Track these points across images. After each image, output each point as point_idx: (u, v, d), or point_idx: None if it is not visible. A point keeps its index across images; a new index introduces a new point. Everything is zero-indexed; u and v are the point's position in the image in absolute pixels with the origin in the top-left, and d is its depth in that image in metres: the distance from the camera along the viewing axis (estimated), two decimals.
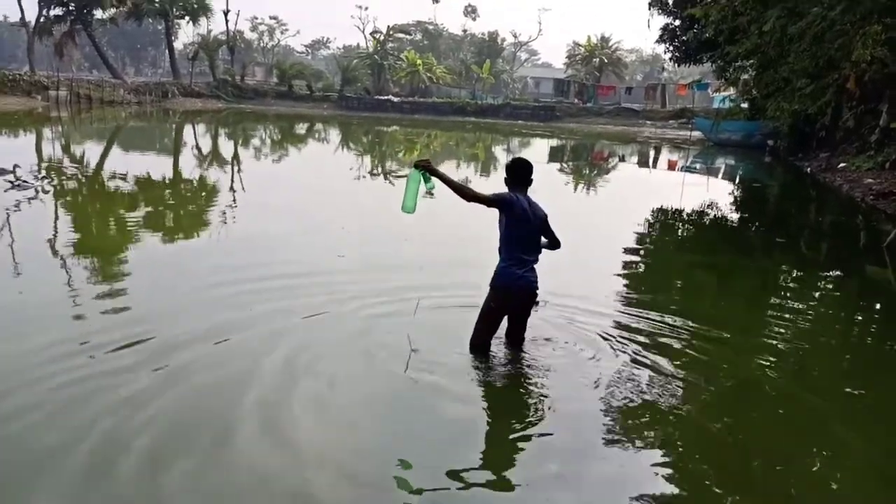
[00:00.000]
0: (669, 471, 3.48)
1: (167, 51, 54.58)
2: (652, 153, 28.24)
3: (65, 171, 13.41)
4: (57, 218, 9.29)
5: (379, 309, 5.45)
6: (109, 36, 70.65)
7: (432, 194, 4.37)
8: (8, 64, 56.77)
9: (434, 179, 4.25)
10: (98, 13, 48.54)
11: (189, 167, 16.54)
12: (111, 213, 9.94)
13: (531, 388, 4.26)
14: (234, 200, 11.50)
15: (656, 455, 3.62)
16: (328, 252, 7.56)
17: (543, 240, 4.54)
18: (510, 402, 4.15)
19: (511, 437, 3.73)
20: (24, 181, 10.87)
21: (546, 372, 4.45)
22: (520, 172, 4.43)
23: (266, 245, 7.84)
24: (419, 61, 54.01)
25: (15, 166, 11.49)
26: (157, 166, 16.19)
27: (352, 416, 3.90)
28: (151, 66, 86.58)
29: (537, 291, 4.49)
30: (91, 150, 19.15)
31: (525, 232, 4.35)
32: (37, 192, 10.40)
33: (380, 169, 18.69)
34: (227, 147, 23.29)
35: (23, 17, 46.27)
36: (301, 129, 32.91)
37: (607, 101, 49.64)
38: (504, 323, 4.65)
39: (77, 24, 47.44)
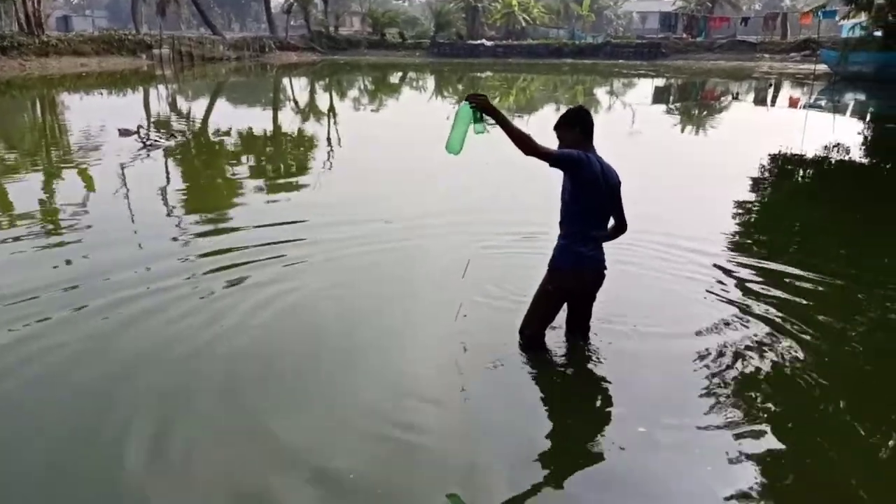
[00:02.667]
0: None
1: (265, 4, 55.25)
2: (770, 90, 25.88)
3: (184, 130, 14.06)
4: (185, 171, 10.03)
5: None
6: None
7: (488, 131, 3.55)
8: (125, 25, 59.53)
9: (487, 121, 3.45)
10: None
11: (303, 123, 16.62)
12: (224, 164, 10.56)
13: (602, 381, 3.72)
14: (330, 156, 11.37)
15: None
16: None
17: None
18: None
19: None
20: (156, 140, 11.61)
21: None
22: (589, 126, 3.54)
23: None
24: (515, 1, 52.04)
25: (139, 127, 12.42)
26: (265, 121, 16.37)
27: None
28: (255, 20, 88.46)
29: (605, 272, 3.72)
30: (199, 107, 19.69)
31: (595, 202, 3.55)
32: (165, 151, 11.07)
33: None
34: (323, 99, 23.34)
35: None
36: (394, 78, 32.61)
37: (720, 34, 46.11)
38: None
39: None
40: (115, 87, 25.81)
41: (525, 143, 3.33)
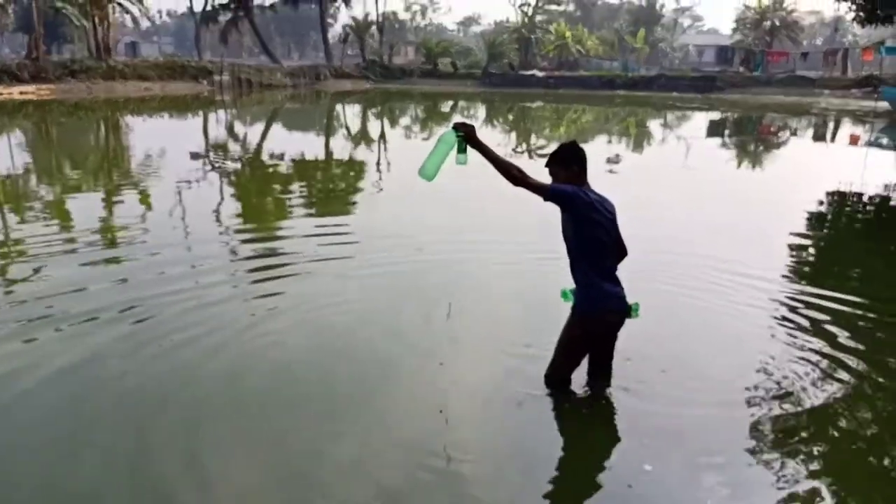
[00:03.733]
0: None
1: (322, 34, 56.92)
2: (830, 126, 25.18)
3: (245, 154, 14.78)
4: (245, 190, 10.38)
5: None
6: (275, 23, 75.14)
7: (464, 163, 3.41)
8: (190, 52, 62.12)
9: (471, 152, 3.32)
10: (258, 0, 51.71)
11: (349, 148, 16.94)
12: (277, 186, 10.86)
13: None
14: (379, 182, 11.51)
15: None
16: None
17: None
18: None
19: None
20: (224, 163, 12.89)
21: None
22: (580, 161, 3.44)
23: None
24: (568, 33, 52.28)
25: (208, 151, 14.13)
26: (317, 146, 16.74)
27: None
28: (314, 49, 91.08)
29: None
30: (255, 132, 20.28)
31: (601, 234, 3.38)
32: (230, 172, 12.14)
33: (524, 146, 18.05)
34: (374, 126, 23.73)
35: (191, 7, 50.34)
36: (445, 106, 32.96)
37: (778, 68, 45.31)
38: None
39: (240, 12, 50.69)
40: (176, 110, 26.82)
41: (513, 175, 3.26)
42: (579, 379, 3.75)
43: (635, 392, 3.76)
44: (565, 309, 3.68)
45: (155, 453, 3.20)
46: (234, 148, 15.46)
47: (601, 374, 3.76)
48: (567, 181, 3.43)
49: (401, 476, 3.09)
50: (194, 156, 12.86)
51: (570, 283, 3.57)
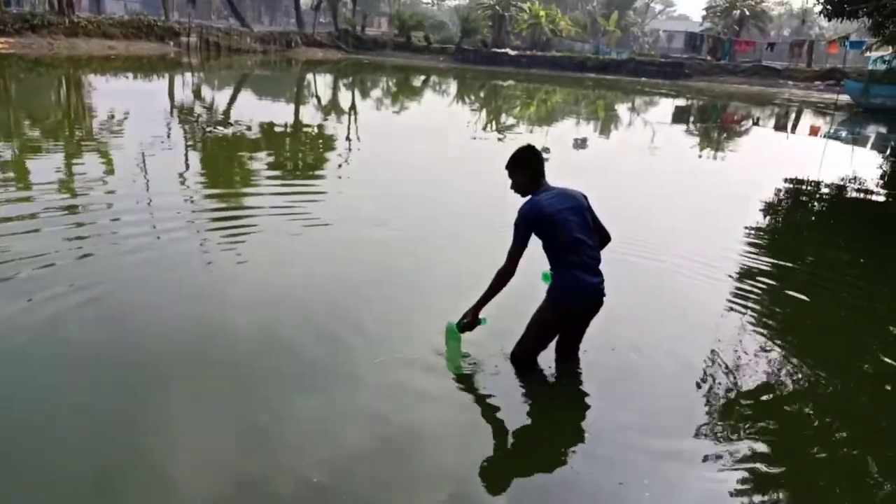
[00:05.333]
0: None
1: (294, 1, 55.76)
2: (791, 117, 25.83)
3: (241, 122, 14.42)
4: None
5: None
6: None
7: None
8: (157, 11, 60.21)
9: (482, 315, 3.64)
10: None
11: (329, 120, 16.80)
12: (244, 153, 10.53)
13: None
14: (347, 153, 11.53)
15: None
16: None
17: None
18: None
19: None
20: (213, 129, 12.93)
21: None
22: (533, 165, 3.63)
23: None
24: (542, 12, 52.19)
25: (198, 117, 13.95)
26: (287, 115, 16.60)
27: None
28: (285, 15, 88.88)
29: (604, 299, 3.66)
30: (223, 97, 19.96)
31: (565, 231, 3.51)
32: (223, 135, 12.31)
33: (494, 125, 18.16)
34: (345, 98, 23.54)
35: None
36: (416, 81, 32.79)
37: (745, 58, 46.05)
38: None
39: None
40: (141, 71, 26.15)
41: (503, 282, 3.55)
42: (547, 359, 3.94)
43: (593, 372, 3.94)
44: (529, 285, 3.85)
45: (108, 416, 3.24)
46: (214, 114, 15.22)
47: (568, 357, 3.91)
48: (525, 182, 3.65)
49: (363, 444, 3.17)
50: (183, 121, 12.99)
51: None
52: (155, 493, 2.77)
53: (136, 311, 4.40)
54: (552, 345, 3.90)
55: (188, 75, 26.34)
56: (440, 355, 3.92)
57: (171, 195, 7.42)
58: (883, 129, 22.98)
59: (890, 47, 25.37)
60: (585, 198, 3.72)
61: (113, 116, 13.44)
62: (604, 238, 3.75)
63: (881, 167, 15.14)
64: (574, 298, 3.61)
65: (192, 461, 2.97)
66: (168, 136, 11.57)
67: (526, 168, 3.65)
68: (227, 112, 16.19)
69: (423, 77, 34.62)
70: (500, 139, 14.62)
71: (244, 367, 3.77)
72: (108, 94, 18.72)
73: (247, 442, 3.12)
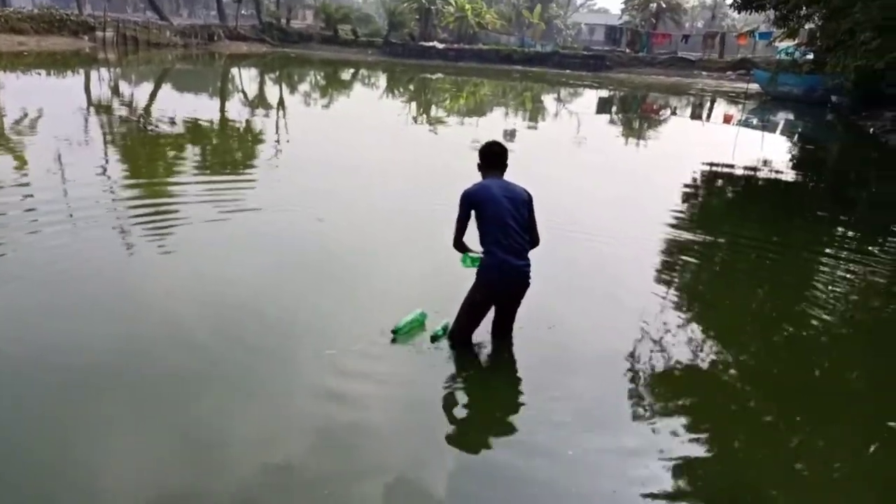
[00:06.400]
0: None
1: None
2: (706, 106, 27.09)
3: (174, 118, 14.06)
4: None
5: None
6: None
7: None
8: (68, 5, 57.32)
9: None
10: None
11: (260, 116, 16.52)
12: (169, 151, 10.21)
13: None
14: (276, 149, 11.45)
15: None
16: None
17: None
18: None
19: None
20: (153, 127, 12.71)
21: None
22: (489, 158, 4.09)
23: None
24: (468, 6, 52.56)
25: (140, 116, 13.83)
26: (211, 111, 16.24)
27: None
28: (205, 8, 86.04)
29: (529, 281, 3.97)
30: (143, 93, 19.32)
31: (498, 214, 3.86)
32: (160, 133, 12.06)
33: (424, 118, 18.33)
34: (273, 92, 23.19)
35: None
36: (346, 74, 32.57)
37: (662, 49, 47.71)
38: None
39: None
40: (54, 67, 24.96)
41: (455, 247, 4.02)
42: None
43: (528, 348, 4.20)
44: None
45: (33, 422, 3.19)
46: (135, 110, 14.74)
47: (502, 334, 4.22)
48: (481, 168, 4.13)
49: (307, 434, 3.25)
50: (124, 120, 12.90)
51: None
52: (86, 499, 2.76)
53: (52, 307, 4.34)
54: (488, 325, 4.18)
55: (104, 71, 25.31)
56: (380, 342, 4.08)
57: (90, 187, 7.35)
58: (790, 116, 24.41)
59: (794, 38, 26.90)
60: (529, 196, 4.02)
61: (26, 115, 12.87)
62: (533, 240, 4.05)
63: (789, 151, 16.17)
64: (499, 277, 3.91)
65: (123, 467, 2.95)
66: (86, 132, 11.22)
67: (482, 157, 4.12)
68: (148, 108, 15.73)
69: (351, 70, 34.38)
70: (431, 131, 14.81)
71: (184, 365, 3.78)
72: (20, 91, 17.83)
73: (181, 446, 3.12)
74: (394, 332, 4.16)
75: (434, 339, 4.16)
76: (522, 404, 3.65)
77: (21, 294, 4.49)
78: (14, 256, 5.12)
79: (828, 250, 7.18)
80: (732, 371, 4.13)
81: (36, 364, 3.65)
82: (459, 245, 4.00)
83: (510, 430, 3.40)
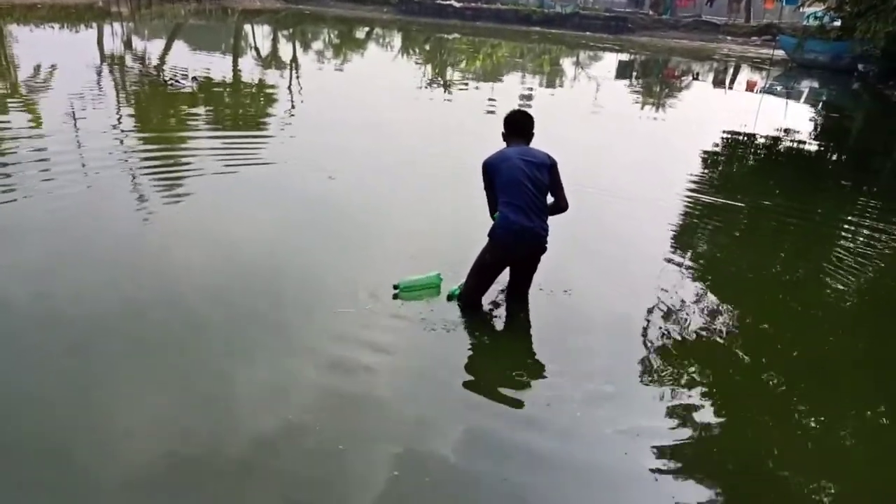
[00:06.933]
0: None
1: None
2: (729, 72, 26.43)
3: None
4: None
5: None
6: None
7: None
8: None
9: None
10: None
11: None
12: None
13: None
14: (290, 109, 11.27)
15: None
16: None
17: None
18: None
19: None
20: (178, 81, 12.86)
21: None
22: (512, 125, 4.06)
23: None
24: None
25: (160, 70, 14.20)
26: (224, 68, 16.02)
27: None
28: None
29: (545, 245, 3.88)
30: (156, 48, 19.08)
31: (512, 175, 3.78)
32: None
33: (440, 80, 17.99)
34: (286, 52, 22.84)
35: None
36: (360, 33, 32.02)
37: (686, 12, 46.45)
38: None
39: None
40: (67, 21, 24.68)
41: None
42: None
43: (543, 312, 4.08)
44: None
45: (49, 381, 3.14)
46: (149, 65, 14.57)
47: (517, 297, 4.11)
48: (508, 139, 4.06)
49: (317, 396, 3.21)
50: (143, 74, 12.97)
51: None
52: (104, 455, 2.74)
53: (67, 264, 4.30)
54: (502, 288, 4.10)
55: (117, 25, 25.02)
56: (390, 304, 3.99)
57: (104, 138, 7.32)
58: (815, 84, 23.76)
59: (823, 3, 26.06)
60: (551, 160, 3.89)
61: (39, 69, 12.74)
62: (560, 205, 3.96)
63: (813, 120, 15.74)
64: (508, 236, 3.78)
65: (140, 424, 2.92)
66: (99, 86, 11.08)
67: (505, 125, 4.09)
68: (161, 63, 15.54)
69: (366, 29, 33.79)
70: (446, 91, 14.52)
71: (191, 324, 3.73)
72: (33, 44, 17.66)
73: (195, 404, 3.08)
74: (396, 287, 4.08)
75: (450, 298, 4.08)
76: (533, 375, 3.56)
77: (31, 244, 4.43)
78: (26, 203, 5.08)
79: (850, 218, 6.98)
80: (748, 341, 4.00)
81: (36, 317, 3.63)
82: (494, 214, 3.93)
83: (518, 402, 3.30)
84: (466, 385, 3.42)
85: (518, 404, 3.28)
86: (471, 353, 3.70)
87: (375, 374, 3.41)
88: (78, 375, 3.19)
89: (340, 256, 4.73)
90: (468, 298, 4.03)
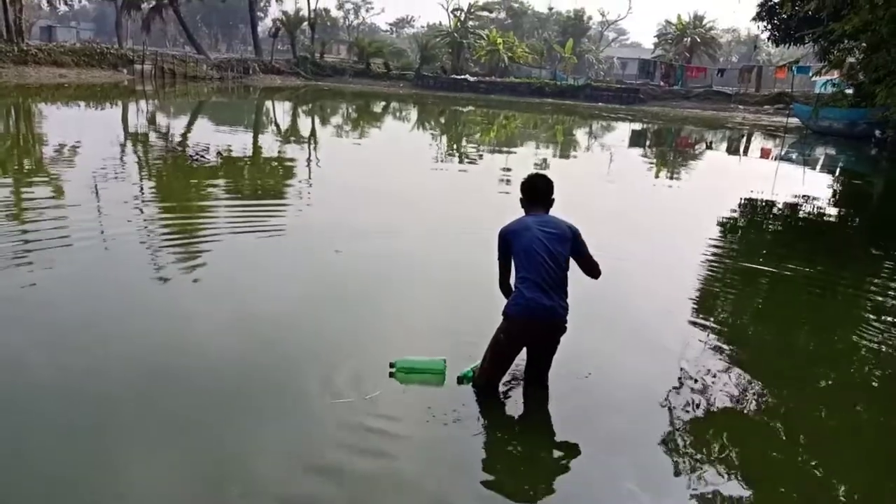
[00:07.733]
0: None
1: (251, 27, 55.63)
2: (743, 140, 26.55)
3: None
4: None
5: None
6: (202, 13, 72.92)
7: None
8: (110, 39, 59.34)
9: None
10: None
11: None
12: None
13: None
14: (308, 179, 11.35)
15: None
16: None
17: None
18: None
19: None
20: (203, 156, 13.18)
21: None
22: (530, 192, 3.80)
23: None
24: (499, 40, 52.99)
25: (188, 146, 14.61)
26: (245, 143, 16.34)
27: None
28: (242, 42, 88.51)
29: (564, 325, 3.58)
30: (179, 125, 19.58)
31: (529, 247, 3.52)
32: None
33: (455, 150, 18.18)
34: (305, 124, 23.36)
35: None
36: (377, 107, 32.83)
37: (697, 83, 47.28)
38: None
39: (163, 0, 48.84)
40: (93, 99, 25.58)
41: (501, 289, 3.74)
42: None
43: (563, 398, 3.82)
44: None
45: (64, 446, 3.05)
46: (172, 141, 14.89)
47: (535, 383, 3.80)
48: (522, 202, 3.84)
49: (327, 485, 3.00)
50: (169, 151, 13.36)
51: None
52: None
53: (88, 327, 4.26)
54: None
55: (142, 102, 25.88)
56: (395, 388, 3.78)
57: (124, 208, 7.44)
58: (832, 151, 23.74)
59: (836, 71, 26.32)
60: (573, 231, 3.68)
61: (64, 145, 13.04)
62: (593, 273, 3.77)
63: (833, 186, 15.59)
64: (522, 314, 3.52)
65: (150, 492, 2.85)
66: (122, 161, 11.26)
67: (523, 191, 3.85)
68: (185, 139, 15.88)
69: (383, 103, 34.67)
70: (461, 169, 14.62)
71: (206, 397, 3.61)
72: (60, 121, 18.21)
73: (207, 477, 2.97)
74: (392, 365, 3.85)
75: (461, 380, 3.82)
76: (554, 467, 3.28)
77: (50, 315, 4.39)
78: (48, 274, 5.12)
79: (877, 287, 6.69)
80: (777, 418, 3.72)
81: (59, 384, 3.59)
82: (504, 287, 3.69)
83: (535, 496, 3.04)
84: (478, 482, 3.15)
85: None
86: (484, 442, 3.43)
87: (386, 460, 3.18)
88: (90, 441, 3.14)
89: (347, 333, 4.55)
90: (483, 382, 3.74)
